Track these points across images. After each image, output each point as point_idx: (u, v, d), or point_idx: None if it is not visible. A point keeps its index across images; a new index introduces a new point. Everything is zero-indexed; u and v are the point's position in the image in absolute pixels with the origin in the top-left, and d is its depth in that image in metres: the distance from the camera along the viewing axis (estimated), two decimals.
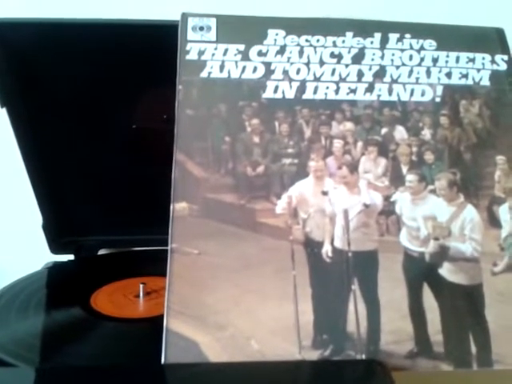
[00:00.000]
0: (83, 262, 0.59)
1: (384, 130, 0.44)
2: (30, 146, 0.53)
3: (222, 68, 0.44)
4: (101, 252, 0.63)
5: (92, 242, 0.61)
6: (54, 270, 0.57)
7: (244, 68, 0.44)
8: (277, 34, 0.46)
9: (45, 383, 0.36)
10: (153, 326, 0.43)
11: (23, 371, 0.37)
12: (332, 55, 0.46)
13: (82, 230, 0.60)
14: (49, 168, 0.55)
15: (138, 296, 0.49)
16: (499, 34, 0.49)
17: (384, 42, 0.47)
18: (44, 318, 0.45)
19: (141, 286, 0.49)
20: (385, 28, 0.47)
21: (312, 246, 0.39)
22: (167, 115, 0.50)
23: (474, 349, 0.38)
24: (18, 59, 0.49)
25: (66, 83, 0.51)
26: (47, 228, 0.58)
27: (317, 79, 0.45)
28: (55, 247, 0.59)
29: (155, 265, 0.52)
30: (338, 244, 0.40)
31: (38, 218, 0.57)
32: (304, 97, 0.44)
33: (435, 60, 0.47)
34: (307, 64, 0.45)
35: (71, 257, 0.60)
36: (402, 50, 0.47)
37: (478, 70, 0.47)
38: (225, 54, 0.45)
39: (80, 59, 0.49)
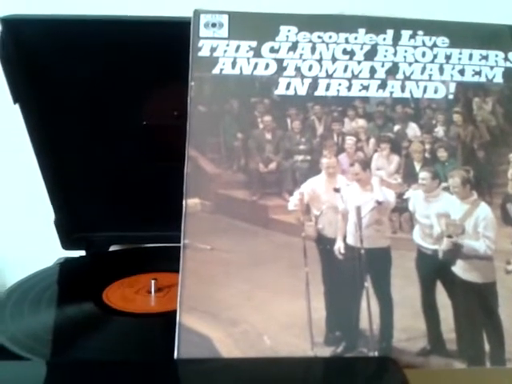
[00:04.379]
0: (95, 257, 0.60)
1: (397, 127, 0.44)
2: (43, 142, 0.53)
3: (234, 64, 0.44)
4: (112, 248, 0.63)
5: (103, 237, 0.61)
6: (66, 265, 0.57)
7: (256, 64, 0.44)
8: (289, 31, 0.46)
9: (57, 377, 0.36)
10: (164, 322, 0.43)
11: (36, 364, 0.37)
12: (344, 52, 0.45)
13: (94, 226, 0.60)
14: (61, 164, 0.55)
15: (149, 292, 0.49)
16: None
17: (397, 38, 0.46)
18: (56, 313, 0.46)
19: (152, 281, 0.49)
20: (397, 25, 0.47)
21: (324, 243, 0.39)
22: (178, 112, 0.50)
23: (487, 347, 0.38)
24: (30, 56, 0.49)
25: (77, 80, 0.51)
26: (59, 224, 0.58)
27: (329, 76, 0.45)
28: (67, 243, 0.59)
29: (166, 261, 0.52)
30: (350, 241, 0.40)
31: (49, 214, 0.58)
32: (316, 93, 0.44)
33: (448, 57, 0.46)
34: (319, 61, 0.45)
35: (83, 253, 0.60)
36: (415, 47, 0.46)
37: (492, 68, 0.47)
38: (237, 50, 0.45)
39: (92, 56, 0.49)
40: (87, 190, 0.58)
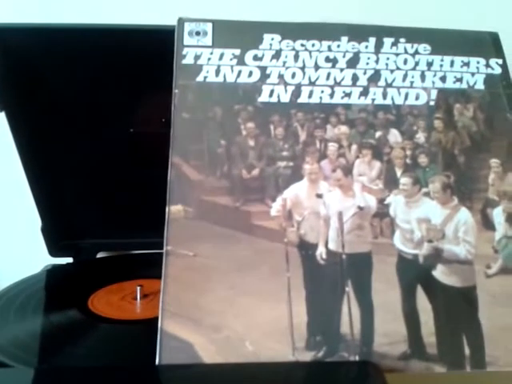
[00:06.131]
0: (82, 264, 0.60)
1: (378, 134, 0.44)
2: (29, 149, 0.53)
3: (217, 72, 0.45)
4: (99, 255, 0.63)
5: (90, 245, 0.61)
6: (53, 272, 0.57)
7: (239, 72, 0.45)
8: (272, 39, 0.46)
9: None
10: (149, 328, 0.43)
11: (20, 372, 0.37)
12: (327, 59, 0.46)
13: (81, 234, 0.60)
14: (48, 171, 0.55)
15: (135, 298, 0.49)
16: (493, 37, 0.49)
17: (379, 46, 0.47)
18: (42, 320, 0.46)
19: (138, 288, 0.49)
20: (380, 32, 0.48)
21: (306, 249, 0.40)
22: (165, 119, 0.50)
23: (467, 351, 0.38)
24: (17, 63, 0.49)
25: (64, 87, 0.51)
26: (46, 231, 0.58)
27: (312, 83, 0.45)
28: (54, 250, 0.59)
29: (152, 267, 0.52)
30: (332, 246, 0.40)
31: (36, 221, 0.58)
32: (299, 101, 0.45)
33: (430, 64, 0.47)
34: (302, 68, 0.46)
35: (70, 260, 0.60)
36: (397, 55, 0.47)
37: (473, 74, 0.47)
38: (221, 58, 0.45)
39: (78, 63, 0.49)
40: (75, 197, 0.58)
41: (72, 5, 0.58)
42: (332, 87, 0.45)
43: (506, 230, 0.42)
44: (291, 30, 0.47)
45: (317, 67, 0.46)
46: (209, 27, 0.46)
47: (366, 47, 0.47)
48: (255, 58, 0.45)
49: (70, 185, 0.57)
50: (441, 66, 0.47)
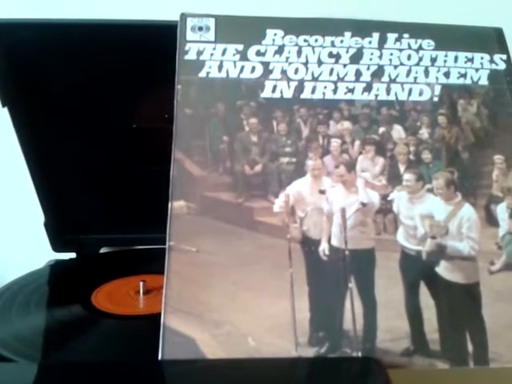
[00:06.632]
0: (85, 260, 0.60)
1: (382, 130, 0.44)
2: (32, 144, 0.53)
3: (220, 68, 0.45)
4: (102, 250, 0.63)
5: (94, 240, 0.61)
6: (56, 267, 0.57)
7: (242, 68, 0.45)
8: (275, 34, 0.46)
9: (45, 379, 0.36)
10: (153, 324, 0.43)
11: (23, 366, 0.37)
12: (330, 55, 0.46)
13: (84, 229, 0.60)
14: (50, 166, 0.55)
15: (138, 293, 0.49)
16: (498, 33, 0.49)
17: (382, 41, 0.47)
18: (45, 315, 0.46)
19: (141, 283, 0.49)
20: (383, 28, 0.47)
21: (309, 245, 0.40)
22: (168, 115, 0.50)
23: (470, 347, 0.38)
24: (19, 59, 0.49)
25: (66, 83, 0.51)
26: (49, 226, 0.58)
27: (315, 79, 0.45)
28: (57, 245, 0.60)
29: (156, 263, 0.52)
30: (335, 242, 0.40)
31: (40, 216, 0.58)
32: (302, 96, 0.44)
33: (433, 60, 0.47)
34: (305, 64, 0.45)
35: (73, 255, 0.60)
36: (401, 50, 0.47)
37: (477, 70, 0.47)
38: (223, 53, 0.45)
39: (80, 59, 0.49)
40: (78, 192, 0.58)
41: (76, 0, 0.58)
42: (335, 83, 0.45)
43: (509, 227, 0.42)
44: (294, 26, 0.46)
45: (320, 63, 0.45)
46: (211, 22, 0.46)
47: (370, 43, 0.47)
48: (258, 53, 0.45)
49: (73, 180, 0.57)
50: (445, 61, 0.47)
